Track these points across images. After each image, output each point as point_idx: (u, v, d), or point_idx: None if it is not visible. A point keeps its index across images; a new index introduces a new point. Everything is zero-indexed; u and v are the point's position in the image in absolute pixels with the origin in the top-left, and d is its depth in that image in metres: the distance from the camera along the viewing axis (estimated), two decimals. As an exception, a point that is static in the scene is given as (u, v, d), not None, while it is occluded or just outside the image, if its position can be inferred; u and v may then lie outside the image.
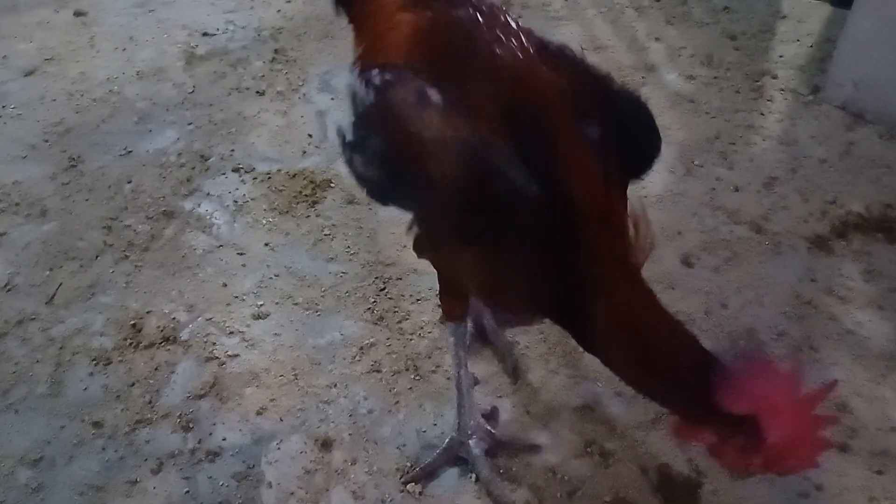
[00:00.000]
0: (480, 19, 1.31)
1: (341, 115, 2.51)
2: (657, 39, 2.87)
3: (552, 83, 1.21)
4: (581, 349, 1.34)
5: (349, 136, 1.36)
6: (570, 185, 1.14)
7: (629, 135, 1.23)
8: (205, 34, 2.88)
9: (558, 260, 1.15)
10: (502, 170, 1.13)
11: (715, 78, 2.70)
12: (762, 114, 2.57)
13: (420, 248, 1.45)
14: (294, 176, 2.34)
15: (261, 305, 2.00)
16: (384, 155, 1.28)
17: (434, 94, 1.19)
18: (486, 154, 1.14)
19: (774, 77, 2.71)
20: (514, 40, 1.28)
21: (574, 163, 1.15)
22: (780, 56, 2.80)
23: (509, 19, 1.35)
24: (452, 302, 1.60)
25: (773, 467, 1.06)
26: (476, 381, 1.81)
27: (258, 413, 1.78)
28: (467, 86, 1.20)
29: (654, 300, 1.18)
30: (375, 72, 1.30)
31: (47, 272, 2.07)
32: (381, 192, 1.39)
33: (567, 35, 2.86)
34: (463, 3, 1.36)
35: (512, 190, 1.13)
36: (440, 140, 1.16)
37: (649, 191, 2.30)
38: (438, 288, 1.59)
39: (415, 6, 1.36)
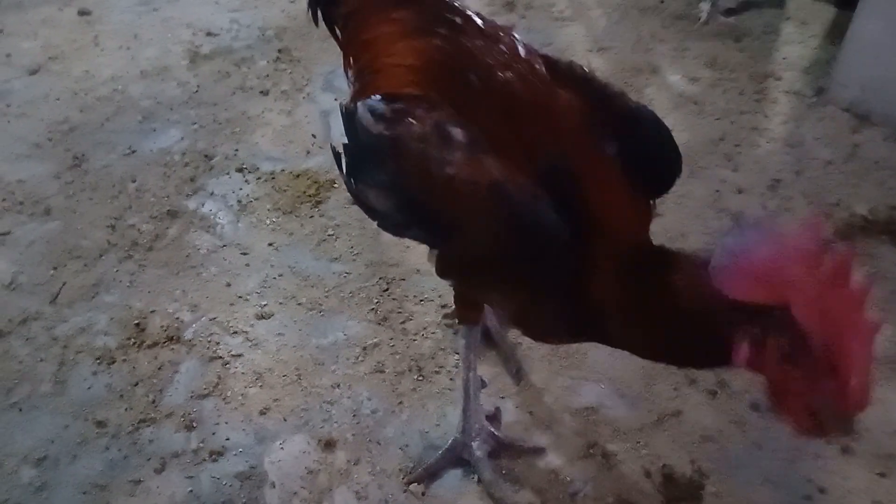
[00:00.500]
0: (488, 45, 1.29)
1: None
2: (661, 41, 2.87)
3: (570, 109, 1.21)
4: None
5: (351, 164, 1.34)
6: (600, 217, 1.13)
7: (650, 154, 1.22)
8: (209, 33, 2.88)
9: (585, 291, 1.14)
10: (533, 210, 1.11)
11: (719, 80, 2.69)
12: (766, 116, 2.57)
13: (444, 274, 1.40)
14: (298, 176, 2.34)
15: (264, 305, 2.00)
16: (402, 191, 1.25)
17: (455, 131, 1.17)
18: (516, 196, 1.12)
19: (779, 79, 2.71)
20: (524, 65, 1.26)
21: (601, 192, 1.14)
22: (785, 58, 2.80)
23: (517, 41, 1.33)
24: (468, 307, 1.60)
25: (834, 382, 0.92)
26: (483, 384, 1.81)
27: (261, 413, 1.78)
28: (486, 120, 1.18)
29: (673, 295, 1.07)
30: (382, 100, 1.26)
31: (51, 271, 2.07)
32: (396, 225, 1.37)
33: (572, 36, 2.86)
34: (469, 27, 1.33)
35: (544, 230, 1.11)
36: (469, 181, 1.13)
37: (653, 192, 2.30)
38: (454, 294, 1.59)
39: (420, 34, 1.33)
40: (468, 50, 1.28)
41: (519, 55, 1.28)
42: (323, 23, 1.61)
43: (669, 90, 2.66)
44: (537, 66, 1.27)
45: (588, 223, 1.12)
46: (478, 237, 1.16)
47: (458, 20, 1.34)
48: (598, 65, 2.73)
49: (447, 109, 1.20)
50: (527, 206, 1.12)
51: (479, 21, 1.35)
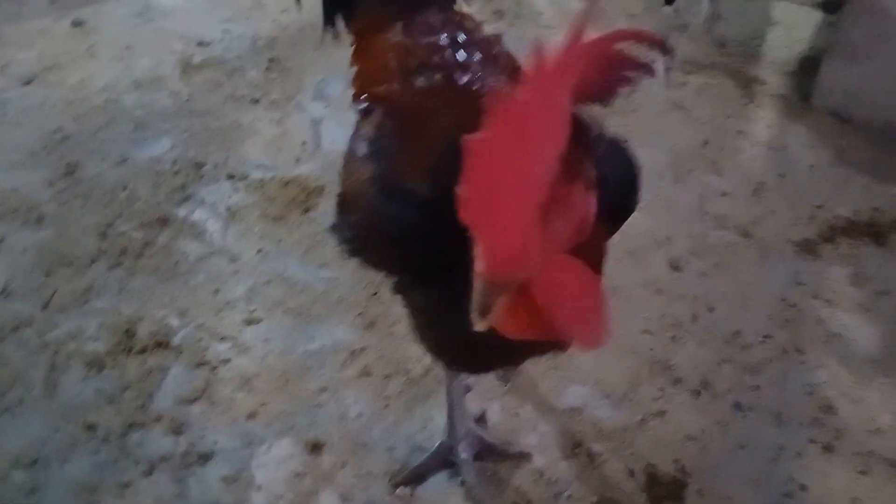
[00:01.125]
0: (466, 52, 1.25)
1: (335, 125, 2.55)
2: (648, 47, 2.89)
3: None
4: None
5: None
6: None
7: (605, 185, 1.13)
8: (201, 44, 2.91)
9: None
10: (385, 203, 1.08)
11: (705, 85, 2.72)
12: (751, 120, 2.60)
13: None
14: (287, 183, 2.36)
15: (252, 311, 2.02)
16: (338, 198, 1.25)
17: (375, 131, 1.16)
18: (380, 188, 1.09)
19: (764, 84, 2.74)
20: (493, 75, 1.20)
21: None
22: (771, 62, 2.83)
23: (500, 49, 1.30)
24: None
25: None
26: (468, 389, 1.83)
27: (248, 417, 1.80)
28: (423, 121, 1.14)
29: None
30: (358, 102, 1.28)
31: (43, 278, 2.09)
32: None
33: (553, 42, 2.88)
34: (455, 36, 1.29)
35: (393, 225, 1.07)
36: (358, 181, 1.13)
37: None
38: None
39: (408, 37, 1.31)
40: (444, 55, 1.26)
41: (493, 65, 1.24)
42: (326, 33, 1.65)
43: (656, 96, 2.68)
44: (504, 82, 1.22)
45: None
46: (359, 231, 1.15)
47: (448, 35, 1.30)
48: (585, 71, 2.76)
49: (393, 110, 1.19)
50: (383, 199, 1.09)
51: (465, 35, 1.32)
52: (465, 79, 1.18)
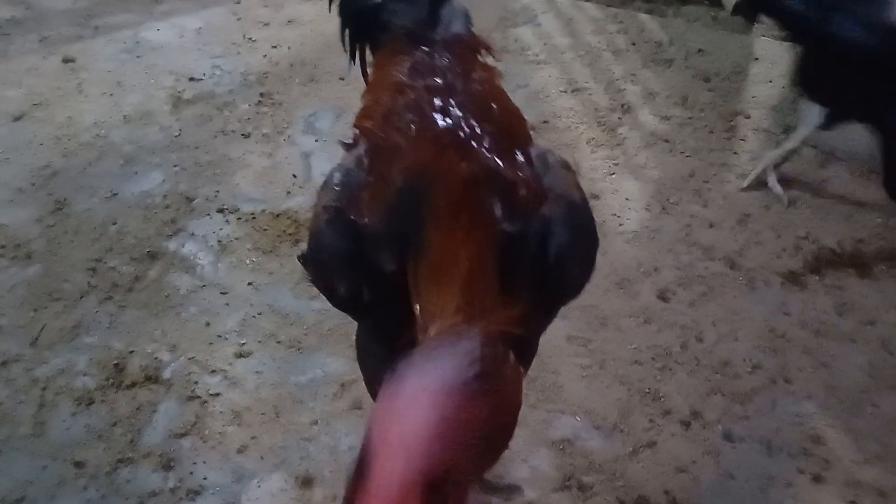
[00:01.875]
0: (455, 99, 1.24)
1: (325, 158, 2.58)
2: (633, 81, 2.95)
3: (474, 167, 1.11)
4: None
5: None
6: (424, 269, 1.04)
7: (553, 253, 1.09)
8: (192, 79, 2.94)
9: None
10: (321, 232, 1.12)
11: (689, 118, 2.77)
12: (736, 153, 2.64)
13: None
14: (278, 216, 2.38)
15: (243, 344, 2.02)
16: None
17: (353, 163, 1.19)
18: (323, 218, 1.13)
19: (748, 117, 2.79)
20: (476, 125, 1.20)
21: (447, 251, 1.04)
22: (754, 97, 2.88)
23: (495, 86, 1.32)
24: None
25: None
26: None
27: (239, 451, 1.79)
28: (391, 159, 1.15)
29: None
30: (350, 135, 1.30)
31: (32, 313, 2.09)
32: None
33: (546, 78, 2.94)
34: (452, 82, 1.29)
35: (348, 265, 1.10)
36: (317, 207, 1.17)
37: (626, 227, 2.35)
38: None
39: (408, 76, 1.31)
40: (438, 94, 1.26)
41: (480, 105, 1.25)
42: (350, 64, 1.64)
43: (641, 128, 2.73)
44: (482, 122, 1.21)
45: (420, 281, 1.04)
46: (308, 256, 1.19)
47: (445, 80, 1.30)
48: (571, 104, 2.81)
49: (371, 147, 1.21)
50: (326, 225, 1.13)
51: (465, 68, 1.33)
52: (444, 124, 1.19)
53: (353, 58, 1.60)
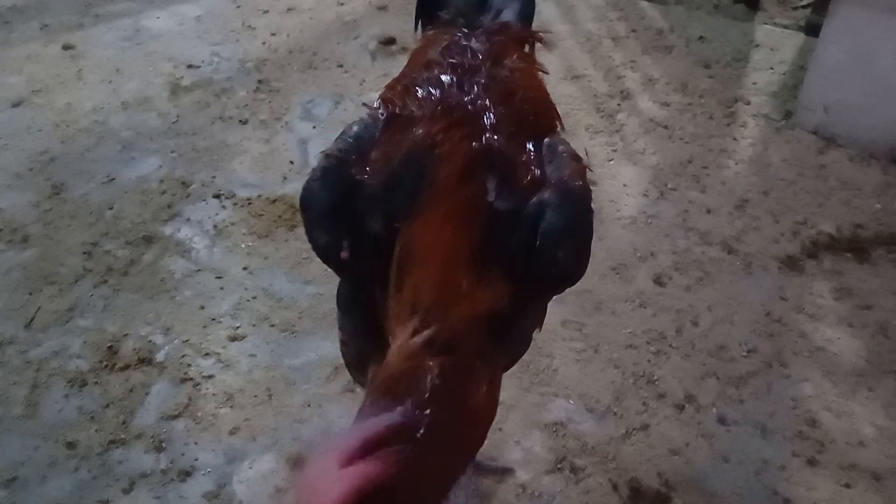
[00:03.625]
0: (477, 80, 1.24)
1: (322, 144, 2.57)
2: (633, 68, 2.93)
3: (477, 146, 1.12)
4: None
5: None
6: (410, 239, 1.05)
7: (540, 234, 1.08)
8: (190, 66, 2.94)
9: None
10: (312, 183, 1.13)
11: (689, 104, 2.75)
12: (735, 139, 2.62)
13: None
14: (274, 201, 2.37)
15: (237, 327, 2.02)
16: None
17: (369, 119, 1.20)
18: (327, 178, 1.14)
19: (747, 103, 2.77)
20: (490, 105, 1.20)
21: (430, 230, 1.05)
22: (754, 83, 2.86)
23: (529, 75, 1.31)
24: None
25: None
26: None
27: (231, 433, 1.79)
28: (404, 127, 1.17)
29: None
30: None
31: (27, 296, 2.09)
32: None
33: (545, 64, 2.91)
34: (479, 63, 1.28)
35: (333, 218, 1.11)
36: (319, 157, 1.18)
37: (623, 213, 2.34)
38: None
39: (441, 54, 1.31)
40: (462, 73, 1.27)
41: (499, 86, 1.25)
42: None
43: (641, 115, 2.71)
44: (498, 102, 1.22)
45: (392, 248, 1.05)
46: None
47: (474, 61, 1.30)
48: (571, 91, 2.79)
49: (386, 107, 1.22)
50: (317, 175, 1.13)
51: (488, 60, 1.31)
52: (458, 101, 1.20)
53: (416, 25, 1.59)
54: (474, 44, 1.33)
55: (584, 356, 1.96)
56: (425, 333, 0.97)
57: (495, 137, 1.15)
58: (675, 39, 3.07)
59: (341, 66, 2.94)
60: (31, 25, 3.16)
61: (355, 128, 1.20)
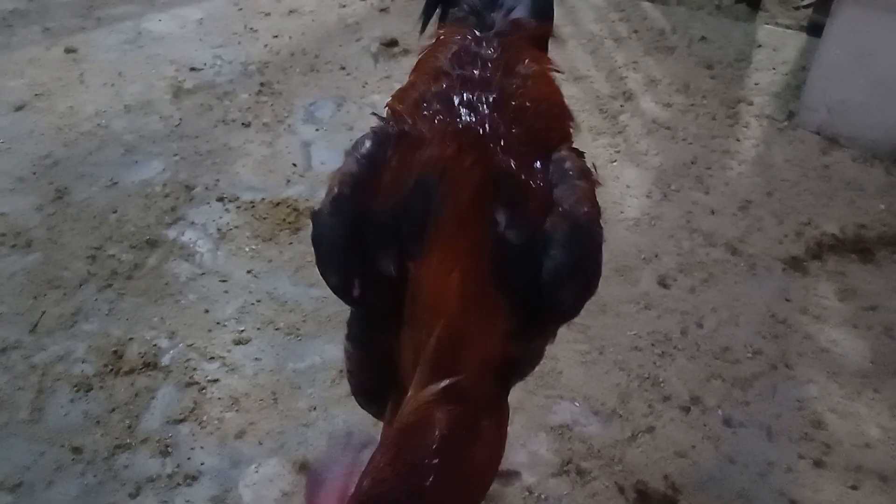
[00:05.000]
0: (485, 93, 1.22)
1: (325, 147, 2.58)
2: (635, 69, 2.93)
3: (488, 172, 1.10)
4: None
5: None
6: (421, 280, 1.02)
7: (547, 275, 1.04)
8: (192, 69, 2.94)
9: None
10: (321, 215, 1.11)
11: (692, 105, 2.75)
12: (738, 139, 2.62)
13: None
14: (278, 204, 2.37)
15: (242, 331, 2.02)
16: None
17: (380, 134, 1.17)
18: (336, 210, 1.11)
19: (750, 104, 2.77)
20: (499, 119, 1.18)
21: (440, 255, 1.03)
22: (756, 83, 2.86)
23: (542, 80, 1.28)
24: None
25: None
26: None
27: (237, 437, 1.79)
28: (414, 147, 1.13)
29: None
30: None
31: (31, 301, 2.09)
32: None
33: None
34: (487, 74, 1.26)
35: (340, 249, 1.09)
36: (330, 183, 1.15)
37: (627, 215, 2.34)
38: None
39: (449, 62, 1.29)
40: (472, 86, 1.25)
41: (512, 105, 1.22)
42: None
43: (643, 116, 2.71)
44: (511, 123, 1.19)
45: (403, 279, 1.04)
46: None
47: (483, 72, 1.27)
48: (573, 92, 2.79)
49: (398, 130, 1.19)
50: (326, 209, 1.11)
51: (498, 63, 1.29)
52: (468, 121, 1.17)
53: (422, 26, 1.55)
54: (485, 50, 1.30)
55: (589, 358, 1.96)
56: (438, 385, 0.96)
57: (505, 160, 1.12)
58: (677, 40, 3.07)
59: (343, 68, 2.94)
60: (33, 29, 3.16)
61: (367, 144, 1.15)
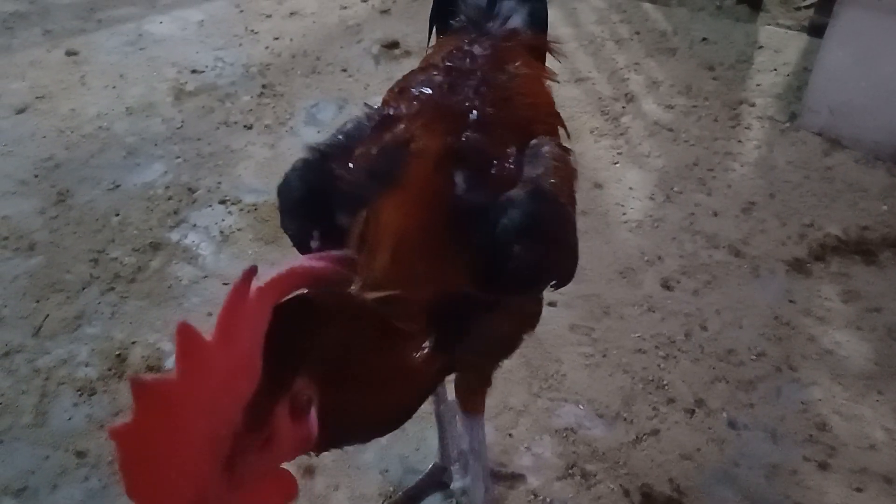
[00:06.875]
0: (470, 84, 1.24)
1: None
2: (637, 71, 2.93)
3: (454, 142, 1.11)
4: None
5: None
6: (373, 220, 1.03)
7: (499, 230, 1.05)
8: (194, 71, 2.94)
9: None
10: (300, 187, 1.13)
11: (694, 107, 2.75)
12: (740, 141, 2.62)
13: None
14: (280, 207, 2.37)
15: (245, 334, 2.01)
16: None
17: (365, 117, 1.19)
18: (304, 170, 1.13)
19: (752, 105, 2.77)
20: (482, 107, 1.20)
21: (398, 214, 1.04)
22: (758, 85, 2.86)
23: (531, 81, 1.31)
24: None
25: None
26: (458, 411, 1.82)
27: (241, 440, 1.79)
28: (389, 125, 1.16)
29: None
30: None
31: (34, 304, 2.09)
32: None
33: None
34: (486, 62, 1.29)
35: (301, 208, 1.12)
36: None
37: (629, 216, 2.34)
38: None
39: (443, 58, 1.32)
40: (463, 81, 1.26)
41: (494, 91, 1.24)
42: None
43: (645, 118, 2.71)
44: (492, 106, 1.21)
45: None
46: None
47: (470, 67, 1.29)
48: (575, 94, 2.79)
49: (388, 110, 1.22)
50: (296, 165, 1.13)
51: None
52: (448, 100, 1.20)
53: (430, 35, 1.59)
54: (477, 49, 1.33)
55: (592, 361, 1.96)
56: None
57: (476, 136, 1.14)
58: (679, 42, 3.07)
59: (345, 70, 2.94)
60: (34, 31, 3.16)
61: (348, 125, 1.20)
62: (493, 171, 1.12)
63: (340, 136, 1.18)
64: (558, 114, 1.36)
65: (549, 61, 1.50)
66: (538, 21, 1.46)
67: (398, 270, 1.00)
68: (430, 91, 1.23)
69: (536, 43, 1.45)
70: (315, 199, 1.11)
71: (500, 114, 1.20)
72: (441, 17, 1.51)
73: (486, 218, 1.06)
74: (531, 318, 1.28)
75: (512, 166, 1.14)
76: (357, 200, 1.07)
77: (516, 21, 1.44)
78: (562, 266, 1.18)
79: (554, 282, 1.19)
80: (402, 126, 1.14)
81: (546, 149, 1.19)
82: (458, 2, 1.48)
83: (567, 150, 1.23)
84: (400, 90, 1.27)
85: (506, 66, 1.31)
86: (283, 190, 1.16)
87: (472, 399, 1.42)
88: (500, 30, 1.42)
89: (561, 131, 1.35)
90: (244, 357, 0.77)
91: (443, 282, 1.03)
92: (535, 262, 1.08)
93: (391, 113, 1.20)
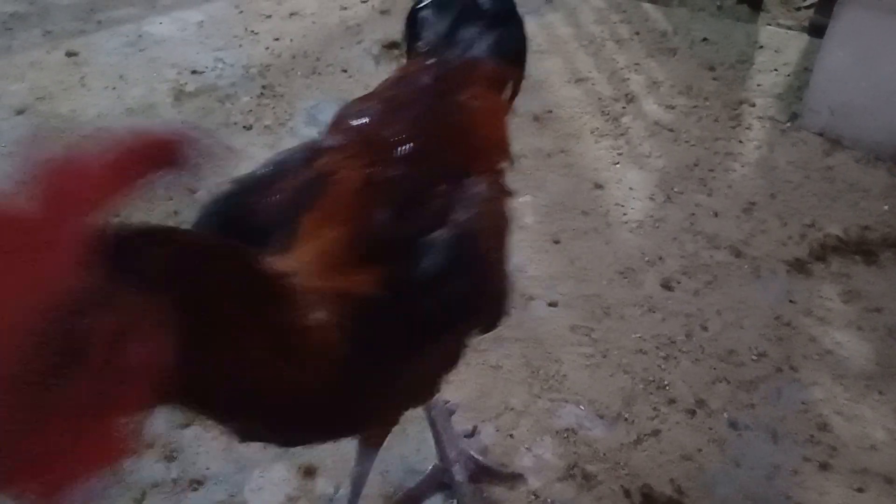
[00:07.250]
0: (423, 106, 1.23)
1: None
2: (637, 71, 2.93)
3: (378, 173, 1.09)
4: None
5: None
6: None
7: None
8: (194, 72, 2.93)
9: None
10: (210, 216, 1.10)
11: (694, 107, 2.75)
12: (741, 141, 2.62)
13: None
14: (280, 208, 2.37)
15: (246, 335, 2.01)
16: None
17: (296, 154, 1.16)
18: (213, 201, 1.11)
19: (753, 105, 2.76)
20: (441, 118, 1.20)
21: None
22: (759, 85, 2.86)
23: (482, 112, 1.28)
24: None
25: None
26: (451, 412, 1.82)
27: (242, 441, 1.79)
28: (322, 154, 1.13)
29: None
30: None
31: (34, 305, 2.08)
32: None
33: (549, 68, 2.92)
34: (431, 91, 1.26)
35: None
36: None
37: (630, 217, 2.34)
38: None
39: (389, 85, 1.31)
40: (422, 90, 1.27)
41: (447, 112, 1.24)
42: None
43: (645, 118, 2.71)
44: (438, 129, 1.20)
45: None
46: None
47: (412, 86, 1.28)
48: (575, 94, 2.79)
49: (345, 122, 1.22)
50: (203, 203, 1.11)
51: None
52: (381, 132, 1.17)
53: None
54: (424, 78, 1.29)
55: (593, 361, 1.96)
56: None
57: (403, 171, 1.11)
58: (679, 42, 3.06)
59: (345, 70, 2.94)
60: (34, 32, 3.16)
61: (281, 156, 1.16)
62: (418, 208, 1.07)
63: (269, 167, 1.14)
64: (505, 147, 1.30)
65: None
66: (504, 50, 1.38)
67: (317, 262, 0.96)
68: (365, 121, 1.19)
69: (496, 74, 1.37)
70: (232, 231, 1.05)
71: (435, 148, 1.16)
72: (410, 38, 1.46)
73: (406, 255, 1.02)
74: (450, 361, 1.21)
75: (441, 205, 1.09)
76: (274, 228, 1.02)
77: (480, 48, 1.36)
78: (483, 312, 1.15)
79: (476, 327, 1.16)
80: (326, 158, 1.11)
81: (480, 189, 1.15)
82: (419, 24, 1.42)
83: (506, 193, 1.20)
84: (338, 119, 1.24)
85: (453, 97, 1.27)
86: (201, 222, 1.11)
87: (377, 435, 1.41)
88: (456, 58, 1.35)
89: (504, 164, 1.29)
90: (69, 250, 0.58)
91: (358, 291, 0.96)
92: (450, 307, 1.05)
93: (322, 145, 1.17)
